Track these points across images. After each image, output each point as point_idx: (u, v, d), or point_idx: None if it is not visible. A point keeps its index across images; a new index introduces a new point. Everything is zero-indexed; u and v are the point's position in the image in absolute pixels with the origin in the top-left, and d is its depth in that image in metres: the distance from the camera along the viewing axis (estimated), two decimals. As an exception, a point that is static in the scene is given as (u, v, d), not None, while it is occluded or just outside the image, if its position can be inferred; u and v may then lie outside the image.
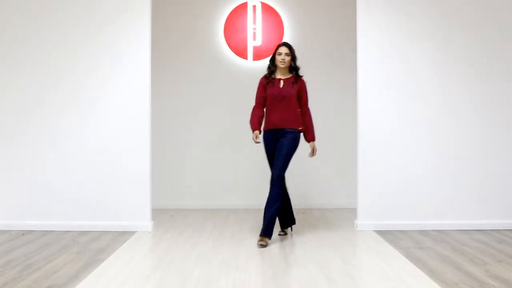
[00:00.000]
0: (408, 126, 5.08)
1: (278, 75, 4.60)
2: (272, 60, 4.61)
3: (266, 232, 4.39)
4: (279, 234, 4.75)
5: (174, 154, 6.46)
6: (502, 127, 5.10)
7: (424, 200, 5.05)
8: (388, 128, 5.07)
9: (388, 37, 5.08)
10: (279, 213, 4.62)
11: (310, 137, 4.69)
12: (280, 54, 4.55)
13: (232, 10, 6.50)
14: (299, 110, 4.59)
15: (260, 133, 4.54)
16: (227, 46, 6.51)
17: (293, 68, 4.59)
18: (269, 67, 4.64)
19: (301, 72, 4.62)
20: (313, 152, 4.72)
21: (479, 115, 5.10)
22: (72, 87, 5.01)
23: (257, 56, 6.45)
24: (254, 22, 6.42)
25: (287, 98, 4.51)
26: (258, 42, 6.43)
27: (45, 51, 5.04)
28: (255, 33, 6.44)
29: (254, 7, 6.46)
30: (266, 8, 6.49)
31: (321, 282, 3.34)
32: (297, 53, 4.59)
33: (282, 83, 4.56)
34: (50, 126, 5.01)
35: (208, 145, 6.48)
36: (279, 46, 4.61)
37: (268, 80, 4.59)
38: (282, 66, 4.54)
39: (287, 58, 4.54)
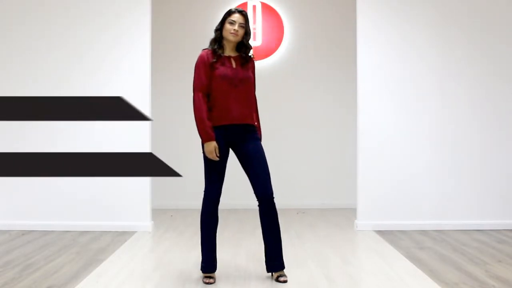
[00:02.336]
0: (408, 126, 5.08)
1: (226, 52, 3.40)
2: (220, 30, 3.36)
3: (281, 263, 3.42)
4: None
5: (174, 154, 6.46)
6: (502, 127, 5.11)
7: (424, 200, 5.06)
8: (388, 128, 5.07)
9: (388, 38, 5.09)
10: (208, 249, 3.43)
11: (260, 134, 3.50)
12: (232, 23, 3.30)
13: (232, 10, 6.50)
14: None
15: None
16: (227, 46, 6.51)
17: (243, 46, 3.38)
18: (215, 40, 3.38)
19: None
20: None
21: (478, 115, 5.10)
22: (73, 87, 5.00)
23: (257, 56, 6.44)
24: (254, 22, 6.42)
25: (245, 82, 3.33)
26: (258, 42, 6.43)
27: (46, 52, 5.04)
28: (255, 33, 6.43)
29: (254, 7, 6.46)
30: (266, 8, 6.48)
31: (321, 282, 3.34)
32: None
33: (233, 61, 3.38)
34: (51, 126, 5.01)
35: (208, 145, 6.46)
36: (231, 12, 3.34)
37: (215, 56, 3.36)
38: (233, 39, 3.32)
39: (241, 31, 3.32)
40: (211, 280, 3.34)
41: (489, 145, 5.09)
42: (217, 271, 3.47)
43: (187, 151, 6.50)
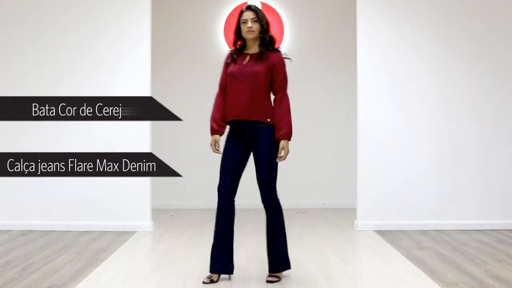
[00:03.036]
0: (407, 126, 5.08)
1: (248, 50, 3.41)
2: (238, 33, 3.39)
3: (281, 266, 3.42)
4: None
5: (174, 154, 6.45)
6: (502, 127, 5.11)
7: (424, 200, 5.06)
8: (387, 128, 5.07)
9: (387, 38, 5.09)
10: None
11: (283, 133, 3.30)
12: (245, 22, 3.31)
13: (232, 10, 6.50)
14: (269, 96, 3.38)
15: (220, 135, 3.43)
16: (227, 46, 6.51)
17: (264, 40, 3.36)
18: (235, 42, 3.43)
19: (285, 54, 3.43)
20: (282, 153, 3.31)
21: (478, 115, 5.10)
22: (73, 87, 5.00)
23: (257, 56, 6.46)
24: (254, 22, 6.42)
25: (252, 78, 3.28)
26: (258, 42, 6.42)
27: (46, 52, 5.05)
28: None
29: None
30: (266, 8, 6.48)
31: (321, 282, 3.34)
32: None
33: (248, 58, 3.36)
34: (50, 126, 5.01)
35: (208, 145, 6.45)
36: (242, 12, 3.35)
37: (233, 56, 3.42)
38: (251, 36, 3.32)
39: (256, 26, 3.30)
40: (207, 280, 3.30)
41: (489, 145, 5.09)
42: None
43: (187, 151, 6.50)
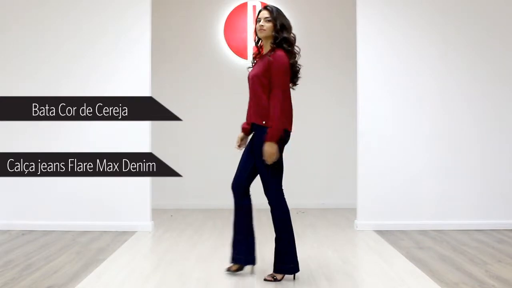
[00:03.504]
0: (407, 126, 5.08)
1: (264, 52, 3.44)
2: (256, 34, 3.42)
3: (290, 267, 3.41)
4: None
5: (174, 154, 6.46)
6: (501, 127, 5.11)
7: (424, 200, 5.06)
8: (387, 128, 5.07)
9: (387, 38, 5.09)
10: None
11: (267, 135, 3.23)
12: (259, 20, 3.34)
13: (232, 10, 6.51)
14: (268, 97, 3.29)
15: (246, 134, 3.55)
16: (227, 46, 6.52)
17: (276, 39, 3.31)
18: (256, 44, 3.47)
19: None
20: (265, 157, 3.24)
21: (478, 116, 5.10)
22: (73, 87, 5.00)
23: (257, 56, 6.45)
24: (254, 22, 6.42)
25: (253, 81, 3.35)
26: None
27: (46, 53, 5.05)
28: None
29: (254, 7, 6.46)
30: (266, 8, 6.48)
31: (321, 282, 3.34)
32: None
33: (258, 61, 3.44)
34: (50, 126, 5.01)
35: (208, 145, 6.47)
36: (258, 12, 3.41)
37: (252, 62, 3.53)
38: (261, 35, 3.33)
39: (267, 25, 3.29)
40: (228, 267, 3.49)
41: (489, 144, 5.09)
42: (216, 271, 3.51)
43: (187, 151, 6.50)
